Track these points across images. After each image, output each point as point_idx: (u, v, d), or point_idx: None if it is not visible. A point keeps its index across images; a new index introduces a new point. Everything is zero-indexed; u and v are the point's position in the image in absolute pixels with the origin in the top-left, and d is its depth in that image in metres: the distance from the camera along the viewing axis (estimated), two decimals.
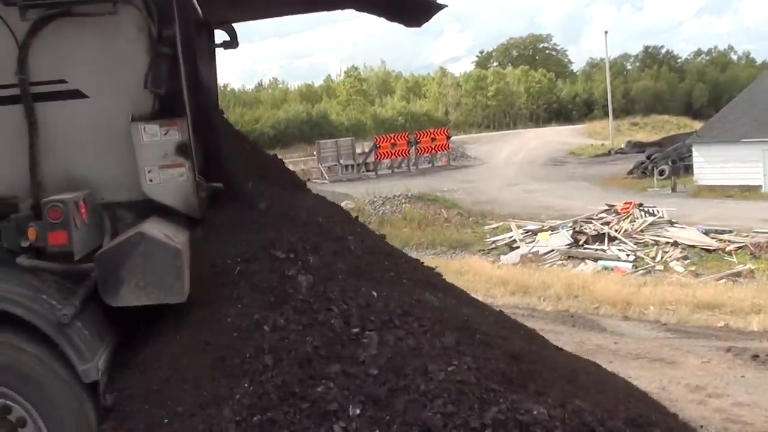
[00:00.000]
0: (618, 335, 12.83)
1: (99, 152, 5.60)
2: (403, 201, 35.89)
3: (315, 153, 50.11)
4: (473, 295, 13.12)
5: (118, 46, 5.45)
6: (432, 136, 51.33)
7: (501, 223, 31.37)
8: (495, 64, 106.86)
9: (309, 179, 43.07)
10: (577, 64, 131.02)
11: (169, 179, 5.53)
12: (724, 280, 21.17)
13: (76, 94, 5.48)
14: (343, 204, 30.89)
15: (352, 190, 39.49)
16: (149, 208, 5.60)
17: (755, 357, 10.57)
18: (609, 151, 56.02)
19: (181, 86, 5.51)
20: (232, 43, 7.58)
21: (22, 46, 5.35)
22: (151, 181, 5.52)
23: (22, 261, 5.25)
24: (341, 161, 49.15)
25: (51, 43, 5.41)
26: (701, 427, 6.83)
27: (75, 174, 5.58)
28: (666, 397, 8.17)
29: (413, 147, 49.95)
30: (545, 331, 11.27)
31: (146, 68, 5.42)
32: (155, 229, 5.27)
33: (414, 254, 26.95)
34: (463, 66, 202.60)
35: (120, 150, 5.54)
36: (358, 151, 50.83)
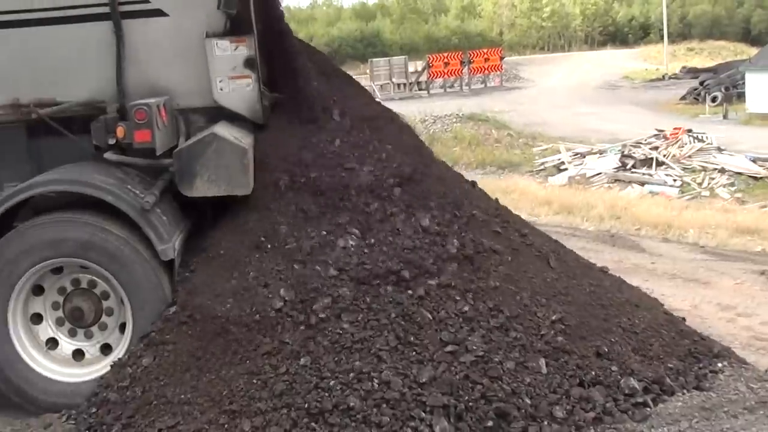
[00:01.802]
0: (656, 256, 12.92)
1: (176, 64, 6.29)
2: (454, 120, 35.96)
3: (368, 71, 50.01)
4: (516, 213, 13.68)
5: None
6: (485, 56, 50.87)
7: (550, 145, 31.38)
8: None
9: None
10: None
11: (237, 89, 6.22)
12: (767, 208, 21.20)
13: (158, 13, 6.17)
14: None
15: (403, 109, 39.32)
16: (219, 113, 6.31)
17: None
18: (663, 76, 55.12)
19: (249, 8, 6.16)
20: None
21: None
22: (221, 90, 6.20)
23: (110, 156, 6.03)
24: (393, 80, 49.05)
25: None
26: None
27: (155, 82, 6.27)
28: (696, 314, 8.55)
29: (466, 67, 49.67)
30: (586, 249, 11.70)
31: None
32: (225, 131, 5.99)
33: (463, 173, 27.43)
34: None
35: (195, 62, 6.21)
36: (411, 69, 50.61)
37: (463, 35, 77.31)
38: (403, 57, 52.25)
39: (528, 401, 4.80)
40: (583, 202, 19.79)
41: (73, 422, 5.39)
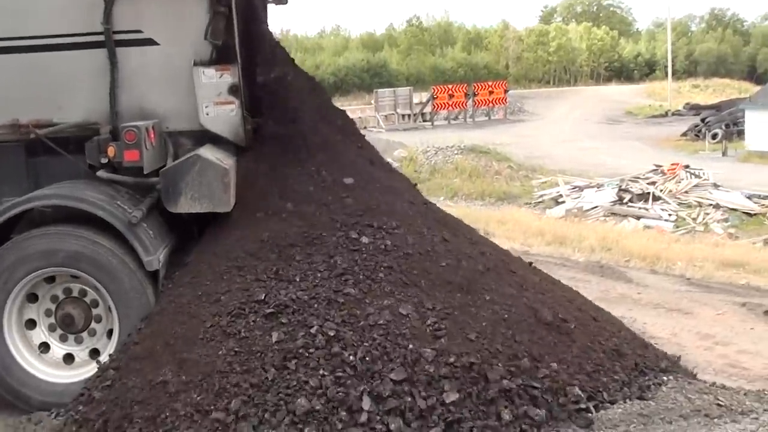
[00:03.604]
0: (642, 286, 13.09)
1: (166, 89, 6.76)
2: (456, 152, 36.31)
3: (373, 101, 50.50)
4: (510, 243, 13.91)
5: (184, 4, 6.57)
6: (490, 89, 51.30)
7: (549, 178, 31.78)
8: (558, 19, 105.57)
9: (365, 127, 43.75)
10: (642, 23, 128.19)
11: (222, 113, 6.69)
12: (760, 243, 21.47)
13: (150, 42, 6.65)
14: (395, 153, 31.74)
15: (406, 139, 39.91)
16: (205, 136, 6.77)
17: (767, 312, 10.92)
18: (666, 113, 55.59)
19: (234, 39, 6.62)
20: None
21: (107, 1, 6.44)
22: (207, 114, 6.68)
23: (101, 174, 6.49)
24: (398, 110, 49.49)
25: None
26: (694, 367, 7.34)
27: (146, 106, 6.74)
28: (675, 342, 8.90)
29: (471, 99, 50.09)
30: (575, 279, 12.01)
31: (206, 23, 6.50)
32: (209, 152, 6.46)
33: (462, 204, 27.68)
34: (526, 20, 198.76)
35: (183, 88, 6.67)
36: (416, 101, 51.01)
37: (469, 67, 77.78)
38: (408, 88, 52.73)
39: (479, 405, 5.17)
40: (575, 234, 20.02)
41: (61, 419, 5.81)
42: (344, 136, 7.55)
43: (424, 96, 51.58)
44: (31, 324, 6.44)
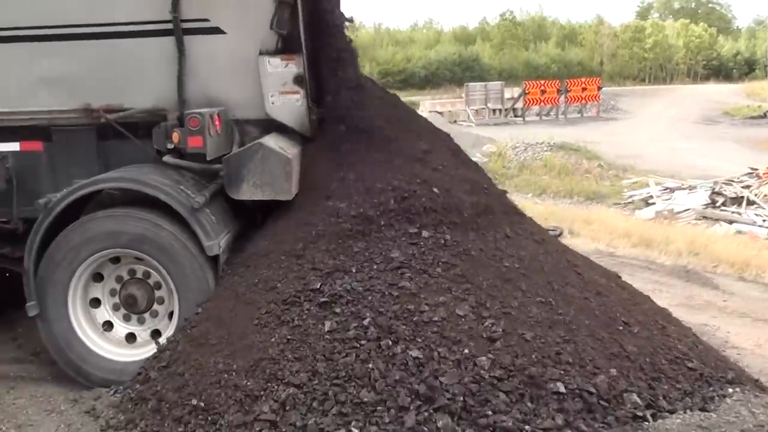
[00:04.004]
0: (729, 294, 12.58)
1: (232, 78, 6.83)
2: (545, 149, 35.89)
3: (464, 95, 50.26)
4: (594, 244, 13.69)
5: None
6: (583, 85, 50.53)
7: (640, 178, 31.14)
8: (655, 15, 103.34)
9: (455, 121, 43.61)
10: (742, 20, 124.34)
11: (287, 103, 6.73)
12: None
13: (217, 31, 6.71)
14: (484, 148, 31.60)
15: (496, 134, 39.53)
16: (271, 125, 6.82)
17: None
18: (765, 114, 53.95)
19: (299, 29, 6.62)
20: None
21: None
22: (272, 103, 6.72)
23: (167, 159, 6.60)
24: (489, 105, 49.12)
25: None
26: None
27: (213, 94, 6.82)
28: (759, 353, 8.45)
29: (563, 95, 49.45)
30: (659, 283, 11.74)
31: (272, 13, 6.51)
32: (272, 141, 6.51)
33: (550, 201, 27.37)
34: (622, 16, 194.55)
35: (249, 77, 6.74)
36: (507, 96, 50.53)
37: (563, 63, 76.77)
38: (500, 83, 52.26)
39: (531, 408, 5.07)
40: (663, 237, 19.55)
41: (119, 395, 5.98)
42: (409, 130, 7.49)
43: (516, 91, 51.05)
44: (96, 303, 6.61)
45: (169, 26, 6.66)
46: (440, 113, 43.41)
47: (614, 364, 5.45)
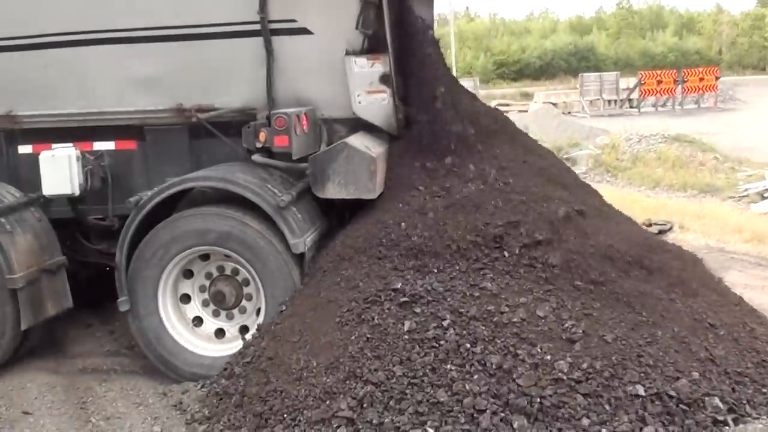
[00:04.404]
0: None
1: (320, 78, 6.91)
2: (660, 140, 34.99)
3: (578, 86, 49.50)
4: (704, 239, 13.37)
5: None
6: (700, 75, 49.10)
7: (756, 171, 30.07)
8: None
9: (569, 112, 43.00)
10: None
11: (373, 102, 6.78)
12: None
13: (304, 31, 6.78)
14: (597, 139, 31.08)
15: (610, 126, 38.64)
16: (359, 124, 6.89)
17: None
18: None
19: (384, 29, 6.63)
20: None
21: None
22: (359, 102, 6.77)
23: (256, 158, 6.73)
24: (604, 96, 48.24)
25: None
26: None
27: (301, 94, 6.92)
28: None
29: (680, 86, 48.15)
30: None
31: (358, 13, 6.55)
32: (358, 140, 6.57)
33: (663, 195, 26.74)
34: (742, 4, 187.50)
35: (336, 77, 6.79)
36: (623, 86, 49.57)
37: (680, 53, 74.30)
38: (615, 73, 51.17)
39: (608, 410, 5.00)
40: None
41: (205, 390, 6.14)
42: (495, 131, 7.45)
43: (632, 81, 49.93)
44: (186, 299, 6.79)
45: (257, 27, 6.76)
46: (554, 104, 42.83)
47: (697, 367, 5.32)
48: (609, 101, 48.12)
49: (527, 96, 52.34)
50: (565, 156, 25.53)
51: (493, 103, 48.14)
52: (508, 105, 47.87)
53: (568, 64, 69.49)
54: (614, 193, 16.66)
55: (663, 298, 5.96)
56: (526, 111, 38.89)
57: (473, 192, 6.55)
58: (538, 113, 32.61)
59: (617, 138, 35.29)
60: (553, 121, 30.79)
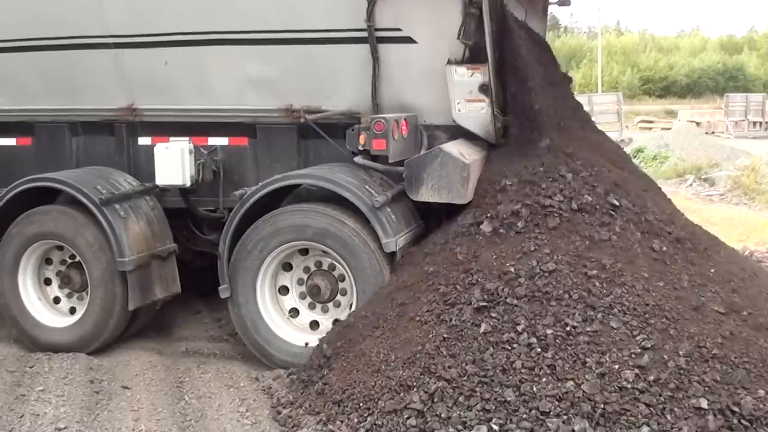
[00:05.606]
0: None
1: (422, 86, 7.20)
2: None
3: (723, 106, 48.08)
4: None
5: (440, 6, 6.89)
6: None
7: None
8: None
9: (713, 132, 41.78)
10: None
11: (472, 111, 7.01)
12: None
13: (408, 40, 7.06)
14: (738, 161, 30.17)
15: (753, 148, 37.51)
16: (458, 131, 7.14)
17: None
18: None
19: (485, 39, 6.84)
20: (565, 1, 8.81)
21: (370, 1, 6.94)
22: (459, 110, 7.02)
23: (358, 159, 7.08)
24: (749, 117, 46.71)
25: (393, 0, 6.97)
26: None
27: (404, 100, 7.24)
28: None
29: None
30: None
31: (460, 24, 6.79)
32: (454, 147, 6.81)
33: None
34: None
35: (437, 85, 7.05)
36: None
37: None
38: (762, 94, 49.44)
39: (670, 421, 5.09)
40: None
41: (293, 377, 6.50)
42: (594, 145, 7.56)
43: None
44: (285, 290, 7.19)
45: (364, 35, 7.08)
46: (697, 123, 41.69)
47: (765, 385, 5.31)
48: (754, 123, 46.54)
49: (671, 114, 51.21)
50: (704, 176, 24.95)
51: (635, 120, 47.34)
52: (651, 122, 47.03)
53: (715, 83, 67.70)
54: (750, 215, 16.35)
55: (741, 314, 5.97)
56: (669, 129, 38.00)
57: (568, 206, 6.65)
58: (680, 132, 31.89)
59: (758, 160, 34.17)
60: (694, 141, 30.01)
